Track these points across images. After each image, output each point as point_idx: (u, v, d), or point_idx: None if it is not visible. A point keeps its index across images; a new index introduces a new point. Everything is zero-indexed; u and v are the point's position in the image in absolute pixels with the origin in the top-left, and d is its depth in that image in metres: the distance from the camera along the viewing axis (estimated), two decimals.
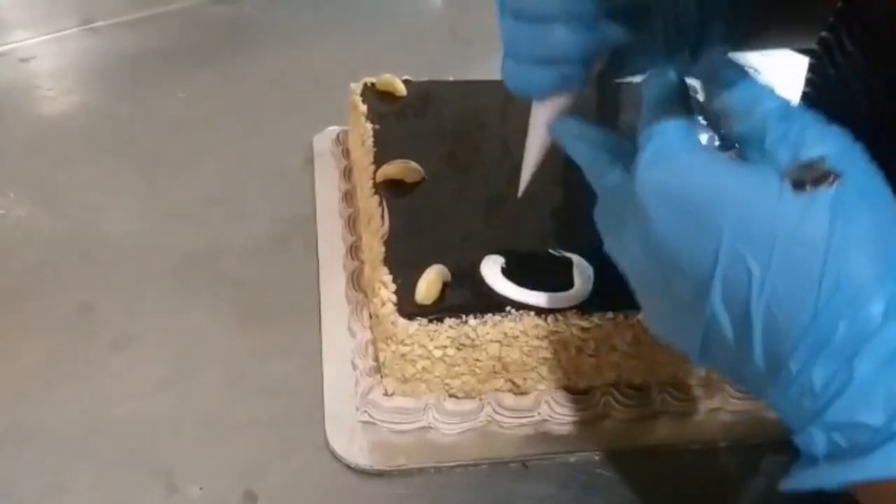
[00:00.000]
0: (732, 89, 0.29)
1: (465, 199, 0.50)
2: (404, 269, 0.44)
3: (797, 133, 0.27)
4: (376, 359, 0.46)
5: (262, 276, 0.53)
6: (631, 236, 0.31)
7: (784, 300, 0.25)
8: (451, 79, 0.64)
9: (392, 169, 0.50)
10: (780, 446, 0.44)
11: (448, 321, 0.41)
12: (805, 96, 0.45)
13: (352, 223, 0.56)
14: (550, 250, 0.46)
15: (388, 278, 0.43)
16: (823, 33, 0.49)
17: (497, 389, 0.45)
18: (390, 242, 0.46)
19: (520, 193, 0.40)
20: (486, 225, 0.48)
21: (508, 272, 0.44)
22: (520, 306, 0.42)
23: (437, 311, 0.42)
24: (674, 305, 0.29)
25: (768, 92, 0.29)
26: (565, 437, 0.44)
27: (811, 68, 0.48)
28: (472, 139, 0.56)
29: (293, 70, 0.77)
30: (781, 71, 0.53)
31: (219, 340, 0.49)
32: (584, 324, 0.43)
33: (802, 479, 0.27)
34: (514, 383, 0.45)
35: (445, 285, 0.43)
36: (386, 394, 0.44)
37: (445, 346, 0.42)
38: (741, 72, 0.30)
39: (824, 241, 0.25)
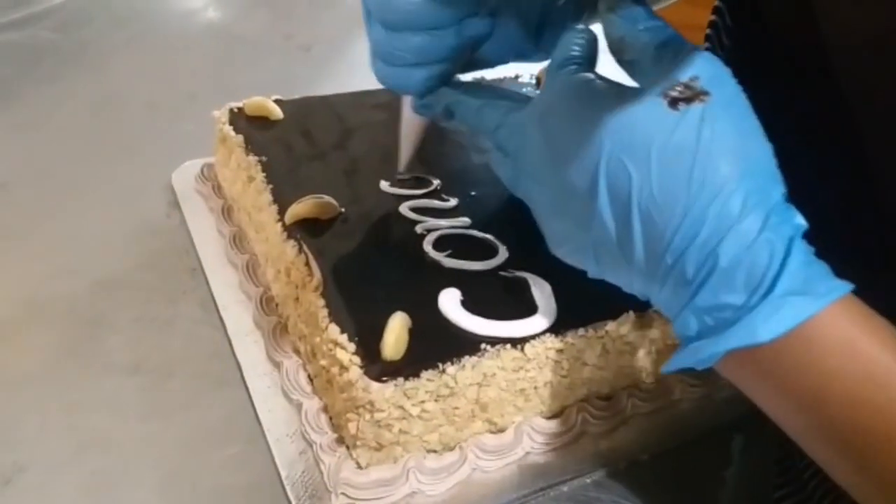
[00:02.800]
0: (625, 23, 0.33)
1: (393, 229, 0.45)
2: (357, 324, 0.38)
3: (673, 58, 0.31)
4: (335, 429, 0.40)
5: (160, 353, 0.45)
6: (528, 165, 0.34)
7: (659, 201, 0.29)
8: (317, 92, 0.58)
9: (304, 208, 0.44)
10: (741, 423, 0.46)
11: (425, 374, 0.37)
12: None
13: (251, 271, 0.49)
14: (501, 272, 0.43)
15: (342, 338, 0.37)
16: (712, 17, 0.49)
17: (476, 433, 0.41)
18: (329, 294, 0.40)
19: (401, 170, 0.46)
20: (426, 254, 0.43)
21: (468, 305, 0.40)
22: (493, 341, 0.39)
23: (410, 365, 0.37)
24: (569, 223, 0.33)
25: (652, 24, 0.33)
26: (553, 466, 0.42)
27: (707, 38, 0.49)
28: (377, 157, 0.51)
29: (118, 100, 0.67)
30: None
31: (136, 442, 0.40)
32: (559, 345, 0.40)
33: (678, 360, 0.31)
34: (492, 422, 0.41)
35: (409, 333, 0.38)
36: (360, 467, 0.39)
37: (423, 402, 0.37)
38: (633, 8, 0.33)
39: (693, 148, 0.28)
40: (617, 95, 0.31)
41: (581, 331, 0.40)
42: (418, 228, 0.45)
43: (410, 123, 0.43)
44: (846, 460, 0.29)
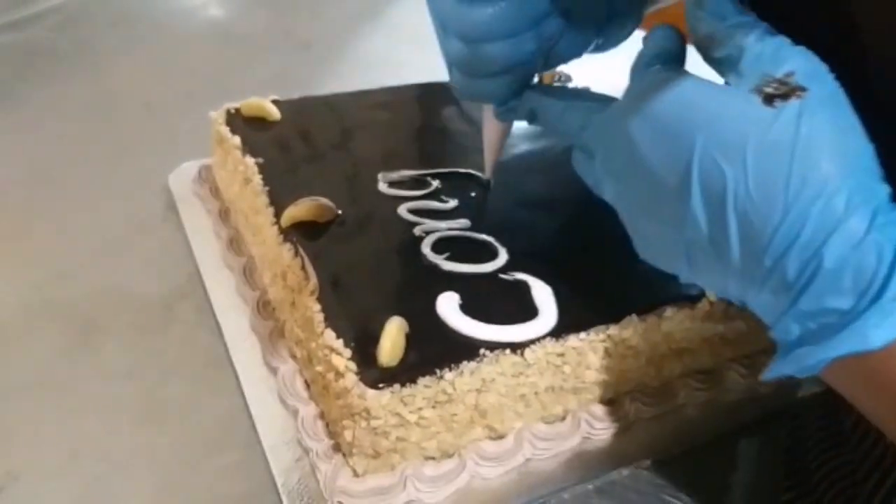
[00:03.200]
0: (712, 18, 0.32)
1: (391, 232, 0.44)
2: (353, 329, 0.37)
3: (769, 53, 0.30)
4: (331, 435, 0.39)
5: (154, 359, 0.44)
6: (616, 165, 0.33)
7: (756, 200, 0.28)
8: (317, 90, 0.57)
9: (301, 210, 0.43)
10: (748, 428, 0.45)
11: (422, 380, 0.36)
12: None
13: (248, 274, 0.48)
14: (501, 275, 0.42)
15: (338, 344, 0.37)
16: None
17: (475, 439, 0.40)
18: (325, 299, 0.39)
19: (488, 173, 0.46)
20: (424, 257, 0.43)
21: (467, 308, 0.39)
22: (493, 346, 0.38)
23: (406, 371, 0.36)
24: (659, 224, 0.32)
25: (742, 19, 0.32)
26: (554, 472, 0.41)
27: None
28: (376, 159, 0.50)
29: (115, 100, 0.66)
30: None
31: (131, 449, 0.39)
32: (560, 350, 0.39)
33: (779, 367, 0.30)
34: (491, 428, 0.40)
35: (406, 338, 0.37)
36: (356, 475, 0.38)
37: (421, 409, 0.37)
38: (721, 3, 0.32)
39: (791, 145, 0.27)
40: (708, 92, 0.30)
41: (583, 335, 0.40)
42: (417, 230, 0.44)
43: (493, 130, 0.42)
44: None
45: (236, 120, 0.52)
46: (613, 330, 0.40)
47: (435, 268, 0.42)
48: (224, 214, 0.53)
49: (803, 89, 0.28)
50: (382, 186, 0.47)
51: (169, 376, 0.43)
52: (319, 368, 0.38)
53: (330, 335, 0.37)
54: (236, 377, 0.43)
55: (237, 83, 0.70)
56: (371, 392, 0.35)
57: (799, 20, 0.31)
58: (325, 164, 0.49)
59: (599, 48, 0.40)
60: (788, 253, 0.27)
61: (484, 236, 0.44)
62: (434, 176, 0.49)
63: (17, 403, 0.41)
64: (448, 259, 0.42)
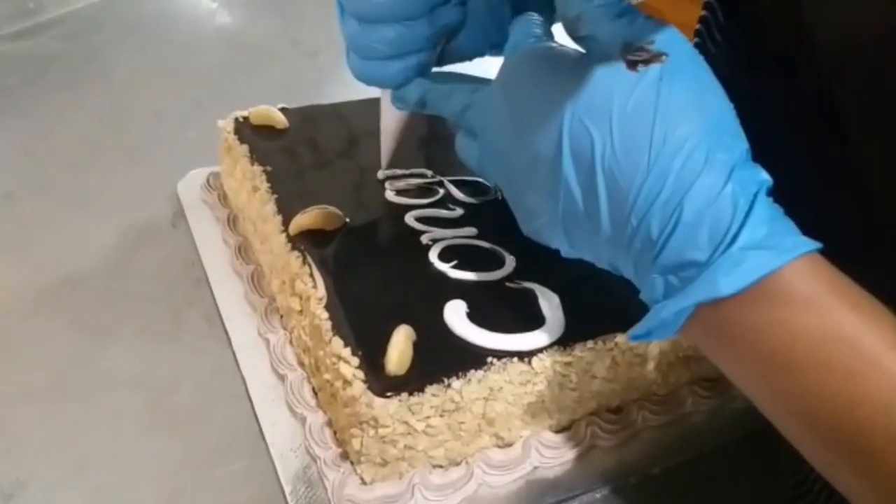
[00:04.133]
0: (581, 1, 0.32)
1: (398, 240, 0.44)
2: (362, 338, 0.38)
3: (629, 27, 0.30)
4: (339, 443, 0.39)
5: (162, 367, 0.44)
6: (496, 139, 0.34)
7: (622, 161, 0.28)
8: (324, 98, 0.57)
9: (308, 218, 0.43)
10: (754, 436, 0.45)
11: (430, 389, 0.36)
12: None
13: (256, 282, 0.49)
14: (508, 283, 0.42)
15: (346, 352, 0.37)
16: (703, 12, 0.49)
17: (482, 448, 0.40)
18: (333, 307, 0.39)
19: (383, 167, 0.46)
20: (431, 265, 0.43)
21: (474, 317, 0.39)
22: (500, 354, 0.38)
23: (414, 380, 0.36)
24: (538, 197, 0.32)
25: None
26: (561, 481, 0.41)
27: (696, 47, 0.49)
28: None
29: (125, 108, 0.66)
30: None
31: (139, 457, 0.40)
32: (567, 359, 0.39)
33: (644, 324, 0.30)
34: (499, 437, 0.40)
35: (413, 346, 0.37)
36: (364, 483, 0.38)
37: (429, 417, 0.37)
38: None
39: (653, 107, 0.28)
40: (576, 61, 0.31)
41: (590, 343, 0.40)
42: (424, 239, 0.44)
43: (390, 118, 0.43)
44: (814, 433, 0.28)
45: (245, 128, 0.52)
46: (620, 338, 0.40)
47: (442, 276, 0.42)
48: (232, 222, 0.53)
49: (664, 55, 0.29)
50: (389, 194, 0.47)
51: (177, 384, 0.44)
52: (327, 376, 0.39)
53: (338, 343, 0.37)
54: (244, 384, 0.43)
55: (245, 91, 0.71)
56: (379, 400, 0.35)
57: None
58: (332, 172, 0.49)
59: (499, 48, 0.39)
60: (651, 210, 0.28)
61: (491, 244, 0.44)
62: (440, 184, 0.49)
63: (26, 411, 0.41)
64: (455, 267, 0.42)
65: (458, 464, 0.40)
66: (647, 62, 0.29)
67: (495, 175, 0.35)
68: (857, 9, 0.32)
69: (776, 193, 0.30)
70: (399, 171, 0.49)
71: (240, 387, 0.43)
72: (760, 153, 0.41)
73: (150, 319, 0.47)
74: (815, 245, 0.28)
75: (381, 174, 0.48)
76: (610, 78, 0.29)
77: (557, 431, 0.42)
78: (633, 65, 0.29)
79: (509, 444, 0.41)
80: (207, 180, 0.56)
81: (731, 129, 0.29)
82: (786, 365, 0.27)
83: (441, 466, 0.39)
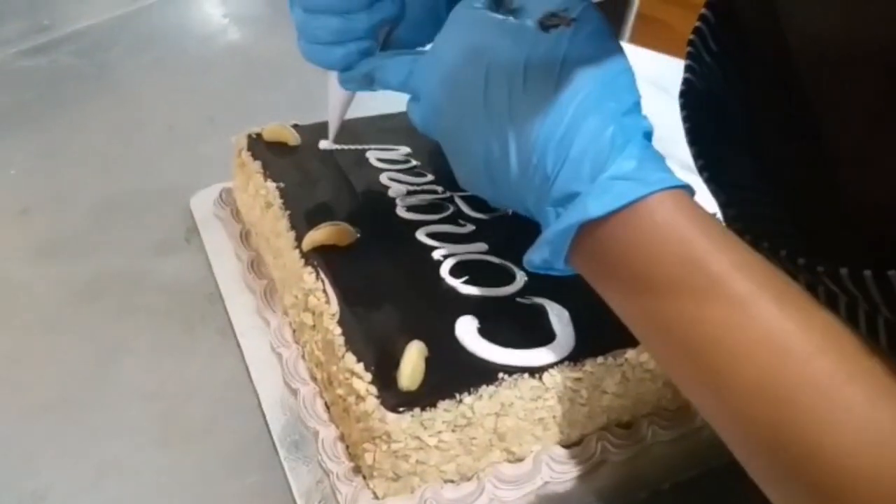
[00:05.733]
0: None
1: (409, 255, 0.45)
2: (375, 353, 0.38)
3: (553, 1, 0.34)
4: (352, 458, 0.40)
5: (176, 381, 0.45)
6: (435, 97, 0.36)
7: (527, 107, 0.32)
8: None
9: (322, 234, 0.44)
10: None
11: (442, 404, 0.36)
12: (686, 82, 0.47)
13: (268, 297, 0.49)
14: (518, 299, 0.42)
15: (359, 367, 0.37)
16: (698, 23, 0.50)
17: (493, 462, 0.41)
18: (346, 322, 0.40)
19: (330, 140, 0.48)
20: (443, 281, 0.43)
21: (485, 332, 0.40)
22: (511, 370, 0.38)
23: (426, 395, 0.37)
24: (468, 145, 0.35)
25: None
26: (572, 496, 0.41)
27: (689, 56, 0.49)
28: (394, 183, 0.51)
29: (138, 124, 0.68)
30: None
31: (154, 470, 0.40)
32: (578, 374, 0.39)
33: (534, 250, 0.34)
34: (510, 451, 0.41)
35: (426, 362, 0.38)
36: (376, 497, 0.38)
37: (440, 432, 0.37)
38: None
39: (558, 62, 0.32)
40: (499, 24, 0.34)
41: (600, 359, 0.40)
42: (435, 254, 0.45)
43: (336, 97, 0.46)
44: (670, 350, 0.31)
45: (258, 145, 0.53)
46: (631, 354, 0.41)
47: (453, 291, 0.43)
48: (245, 237, 0.54)
49: (573, 20, 0.32)
50: (401, 210, 0.48)
51: (191, 397, 0.44)
52: (340, 391, 0.39)
53: (350, 359, 0.38)
54: (257, 398, 0.44)
55: (257, 106, 0.72)
56: (391, 416, 0.36)
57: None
58: (344, 188, 0.50)
59: None
60: (547, 149, 0.31)
61: (501, 260, 0.45)
62: (451, 199, 0.49)
63: (42, 424, 0.42)
64: (466, 283, 0.43)
65: (469, 479, 0.40)
66: (557, 26, 0.32)
67: (435, 132, 0.38)
68: (821, 18, 0.33)
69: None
70: (411, 188, 0.50)
71: (253, 400, 0.44)
72: (752, 155, 0.42)
73: (165, 333, 0.48)
74: (680, 182, 0.31)
75: (324, 144, 0.52)
76: (525, 37, 0.33)
77: (568, 446, 0.42)
78: (545, 28, 0.32)
79: (520, 459, 0.41)
80: (220, 195, 0.57)
81: (624, 84, 0.32)
82: (647, 284, 0.30)
83: (452, 481, 0.40)
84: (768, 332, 0.28)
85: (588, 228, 0.31)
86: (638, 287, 0.31)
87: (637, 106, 0.33)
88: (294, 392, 0.44)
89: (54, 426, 0.42)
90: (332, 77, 0.44)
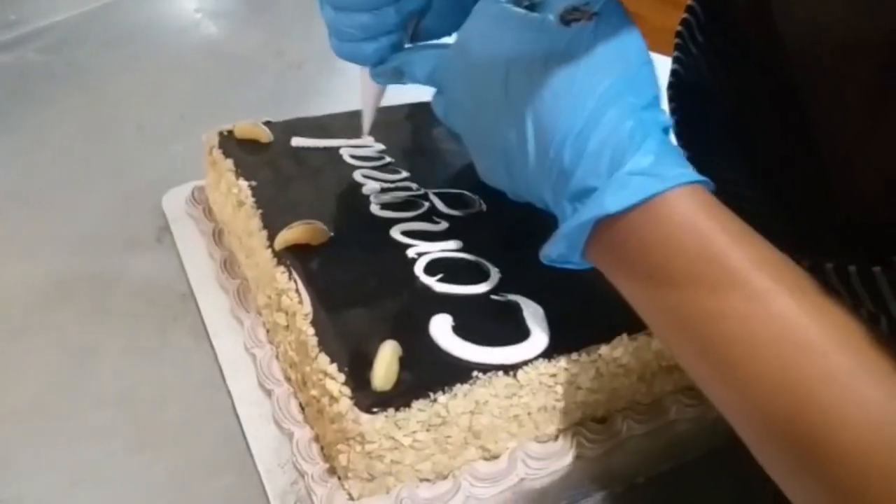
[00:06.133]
0: None
1: (383, 253, 0.45)
2: (347, 354, 0.38)
3: None
4: (326, 459, 0.40)
5: (149, 383, 0.44)
6: (458, 90, 0.36)
7: (548, 101, 0.31)
8: (308, 110, 0.58)
9: (294, 233, 0.43)
10: (737, 443, 0.45)
11: (416, 404, 0.36)
12: (673, 73, 0.48)
13: (241, 297, 0.49)
14: (493, 296, 0.42)
15: (332, 368, 0.37)
16: (685, 15, 0.50)
17: (469, 460, 0.41)
18: (319, 323, 0.39)
19: (365, 132, 0.47)
20: (417, 279, 0.43)
21: (459, 330, 0.40)
22: (485, 368, 0.38)
23: (400, 395, 0.36)
24: (489, 138, 0.35)
25: None
26: (548, 491, 0.41)
27: (676, 47, 0.50)
28: (368, 181, 0.50)
29: (108, 122, 0.66)
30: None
31: (128, 474, 0.40)
32: (552, 371, 0.40)
33: (550, 245, 0.33)
34: (485, 449, 0.41)
35: (400, 361, 0.38)
36: (351, 498, 0.38)
37: (415, 432, 0.37)
38: None
39: (580, 56, 0.31)
40: (521, 18, 0.34)
41: (574, 355, 0.40)
42: (409, 253, 0.45)
43: (369, 91, 0.46)
44: (690, 346, 0.31)
45: (229, 142, 0.52)
46: (605, 350, 0.41)
47: (427, 290, 0.42)
48: (218, 236, 0.53)
49: (595, 14, 0.32)
50: (374, 208, 0.48)
51: (164, 400, 0.44)
52: (314, 392, 0.39)
53: (324, 359, 0.37)
54: (231, 400, 0.43)
55: (229, 103, 0.71)
56: (365, 416, 0.35)
57: None
58: (317, 186, 0.50)
59: None
60: (566, 143, 0.31)
61: (475, 257, 0.45)
62: (425, 196, 0.49)
63: (14, 431, 0.41)
64: (440, 281, 0.43)
65: (444, 477, 0.40)
66: (579, 20, 0.32)
67: (457, 124, 0.38)
68: (818, 15, 0.33)
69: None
70: (385, 185, 0.49)
71: (226, 401, 0.43)
72: (739, 148, 0.42)
73: (137, 335, 0.47)
74: (699, 178, 0.31)
75: (364, 137, 0.51)
76: (547, 32, 0.32)
77: (543, 442, 0.43)
78: (567, 22, 0.32)
79: (496, 457, 0.41)
80: (193, 194, 0.56)
81: (645, 79, 0.32)
82: (665, 279, 0.30)
83: (428, 480, 0.40)
84: (787, 327, 0.28)
85: (605, 223, 0.31)
86: (656, 281, 0.31)
87: (657, 100, 0.32)
88: (268, 393, 0.43)
89: (26, 433, 0.41)
90: (364, 71, 0.44)
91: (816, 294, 0.29)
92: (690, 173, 0.31)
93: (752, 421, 0.29)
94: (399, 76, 0.41)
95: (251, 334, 0.46)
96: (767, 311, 0.28)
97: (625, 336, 0.41)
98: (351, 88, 0.76)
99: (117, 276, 0.51)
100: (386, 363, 0.36)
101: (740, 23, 0.44)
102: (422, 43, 0.42)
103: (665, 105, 0.33)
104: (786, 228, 0.36)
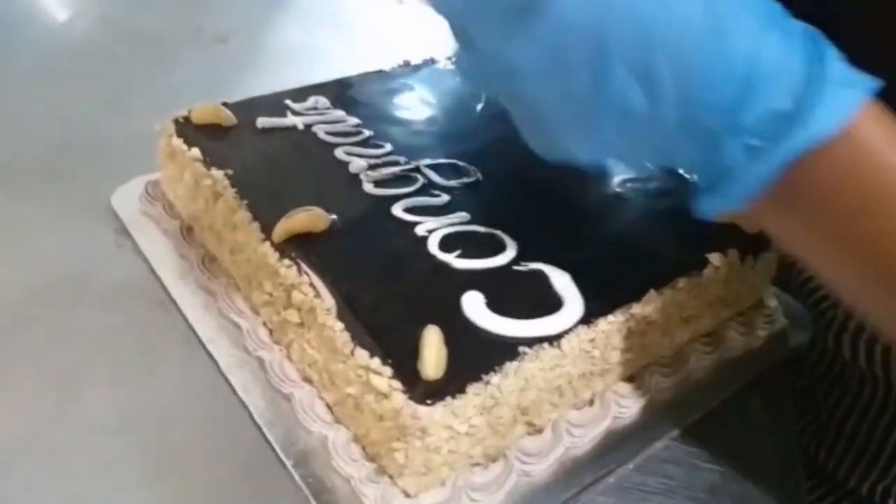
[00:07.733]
0: None
1: (392, 234, 0.42)
2: (387, 345, 0.35)
3: None
4: (372, 459, 0.37)
5: (148, 404, 0.40)
6: (529, 48, 0.29)
7: (680, 32, 0.27)
8: (241, 88, 0.53)
9: (296, 222, 0.40)
10: (757, 383, 0.46)
11: (471, 388, 0.34)
12: None
13: (230, 296, 0.45)
14: (515, 267, 0.41)
15: (374, 363, 0.34)
16: None
17: (516, 438, 0.39)
18: (346, 316, 0.37)
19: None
20: (434, 258, 0.41)
21: (493, 306, 0.38)
22: (530, 342, 0.37)
23: (453, 381, 0.34)
24: (571, 102, 0.30)
25: None
26: (591, 457, 0.40)
27: None
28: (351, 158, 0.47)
29: (29, 128, 0.59)
30: None
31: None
32: (592, 335, 0.38)
33: (715, 199, 0.29)
34: (531, 424, 0.39)
35: None
36: (408, 496, 0.36)
37: (471, 417, 0.35)
38: None
39: None
40: None
41: (610, 317, 0.39)
42: (418, 230, 0.42)
43: None
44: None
45: (188, 129, 0.47)
46: (636, 308, 0.40)
47: (447, 267, 0.40)
48: (187, 233, 0.48)
49: None
50: (368, 187, 0.45)
51: (167, 421, 0.40)
52: (351, 390, 0.36)
53: (362, 354, 0.35)
54: (245, 409, 0.40)
55: (156, 87, 0.65)
56: (423, 409, 0.33)
57: None
58: (299, 170, 0.46)
59: None
60: (725, 75, 0.27)
61: (487, 228, 0.43)
62: (417, 170, 0.47)
63: (7, 475, 0.36)
64: (460, 257, 0.40)
65: (494, 459, 0.38)
66: None
67: (510, 89, 0.32)
68: None
69: None
70: (372, 161, 0.46)
71: (240, 412, 0.40)
72: None
73: (120, 354, 0.42)
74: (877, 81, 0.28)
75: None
76: None
77: (580, 409, 0.42)
78: None
79: (539, 431, 0.40)
80: (146, 190, 0.51)
81: (785, 13, 0.29)
82: (880, 204, 0.27)
83: (479, 464, 0.38)
84: None
85: (799, 157, 0.27)
86: (870, 210, 0.27)
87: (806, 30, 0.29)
88: (287, 397, 0.40)
89: (21, 477, 0.36)
90: None
91: None
92: (871, 78, 0.28)
93: None
94: None
95: (252, 336, 0.42)
96: None
97: (652, 291, 0.41)
98: (284, 60, 0.71)
99: (80, 292, 0.45)
100: (435, 349, 0.34)
101: None
102: None
103: None
104: None
